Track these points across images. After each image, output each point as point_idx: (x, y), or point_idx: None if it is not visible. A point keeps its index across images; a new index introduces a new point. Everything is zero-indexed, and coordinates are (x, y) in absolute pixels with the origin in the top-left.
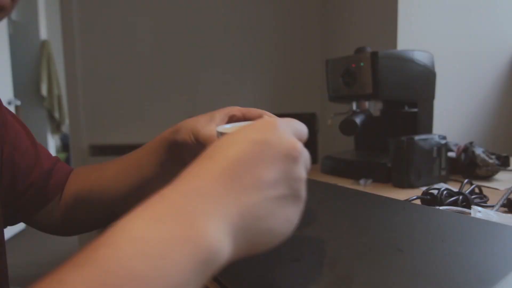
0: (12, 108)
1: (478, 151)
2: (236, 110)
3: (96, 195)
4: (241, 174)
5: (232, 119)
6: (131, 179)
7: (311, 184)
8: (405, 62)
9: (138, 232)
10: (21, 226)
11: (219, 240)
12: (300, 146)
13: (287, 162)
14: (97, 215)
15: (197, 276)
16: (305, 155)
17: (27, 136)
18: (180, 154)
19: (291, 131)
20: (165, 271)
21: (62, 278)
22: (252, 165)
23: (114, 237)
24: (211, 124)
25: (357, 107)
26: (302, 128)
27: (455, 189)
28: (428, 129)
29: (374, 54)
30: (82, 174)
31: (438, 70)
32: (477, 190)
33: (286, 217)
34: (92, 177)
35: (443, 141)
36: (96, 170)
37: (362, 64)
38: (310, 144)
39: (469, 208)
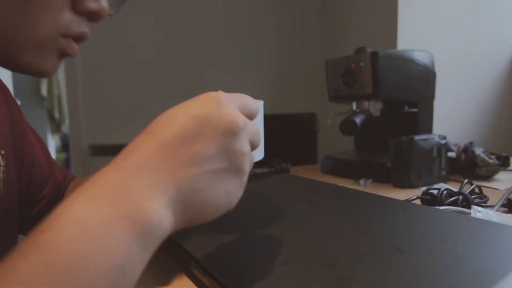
0: None
1: (478, 151)
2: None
3: None
4: (178, 149)
5: None
6: None
7: (311, 184)
8: (405, 62)
9: (77, 214)
10: None
11: (158, 214)
12: (241, 120)
13: (226, 137)
14: None
15: (140, 249)
16: (248, 129)
17: (42, 148)
18: None
19: (235, 106)
20: (107, 248)
21: (10, 266)
22: (190, 140)
23: (55, 221)
24: None
25: (357, 107)
26: (250, 103)
27: (455, 189)
28: (428, 129)
29: (374, 54)
30: (75, 185)
31: (438, 70)
32: (477, 190)
33: (226, 190)
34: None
35: (443, 141)
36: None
37: (362, 64)
38: (310, 144)
39: (469, 208)
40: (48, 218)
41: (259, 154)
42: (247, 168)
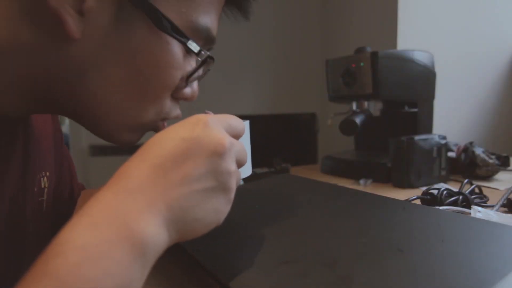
0: None
1: (478, 151)
2: None
3: None
4: (169, 170)
5: None
6: None
7: (311, 184)
8: (405, 62)
9: (80, 240)
10: None
11: (151, 232)
12: (227, 141)
13: (213, 158)
14: None
15: (140, 267)
16: (235, 149)
17: (70, 172)
18: None
19: (221, 127)
20: (110, 270)
21: None
22: (178, 161)
23: (60, 248)
24: None
25: (357, 107)
26: (236, 124)
27: (455, 189)
28: (428, 129)
29: (374, 54)
30: (83, 198)
31: (438, 70)
32: (477, 190)
33: (214, 207)
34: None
35: (443, 141)
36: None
37: (362, 64)
38: (310, 144)
39: (469, 208)
40: (53, 243)
41: (246, 171)
42: (234, 186)
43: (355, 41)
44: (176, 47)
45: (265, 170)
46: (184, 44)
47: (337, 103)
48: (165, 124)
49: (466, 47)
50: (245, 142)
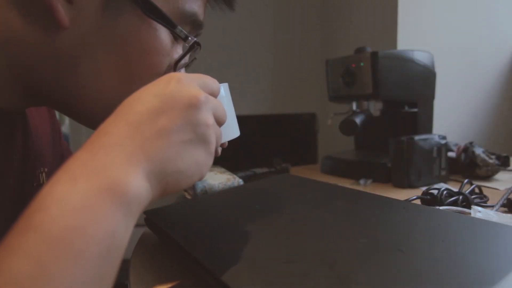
0: None
1: (478, 151)
2: None
3: None
4: (145, 125)
5: None
6: None
7: (311, 184)
8: (405, 62)
9: (59, 194)
10: None
11: (134, 184)
12: (202, 95)
13: (188, 111)
14: None
15: (124, 216)
16: (210, 103)
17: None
18: None
19: (195, 83)
20: (95, 219)
21: (12, 245)
22: (155, 116)
23: (42, 202)
24: None
25: (357, 107)
26: (210, 82)
27: (455, 189)
28: (428, 129)
29: (374, 54)
30: None
31: (438, 70)
32: (477, 190)
33: (194, 159)
34: None
35: (443, 141)
36: None
37: (362, 64)
38: (310, 144)
39: (469, 208)
40: (34, 200)
41: (232, 131)
42: (213, 138)
43: (355, 41)
44: (164, 34)
45: (265, 170)
46: (171, 31)
47: (337, 103)
48: None
49: (466, 47)
50: (228, 104)
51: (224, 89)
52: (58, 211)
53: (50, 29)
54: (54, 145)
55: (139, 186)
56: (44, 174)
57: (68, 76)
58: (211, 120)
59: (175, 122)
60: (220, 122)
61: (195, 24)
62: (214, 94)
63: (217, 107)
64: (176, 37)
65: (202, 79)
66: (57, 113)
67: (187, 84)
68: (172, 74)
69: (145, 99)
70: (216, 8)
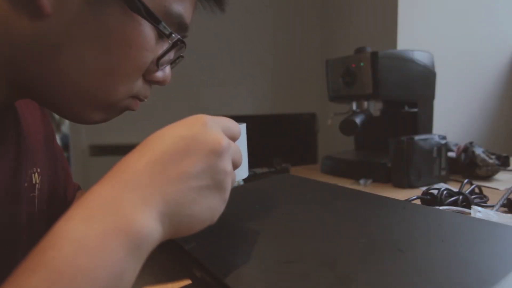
0: None
1: (478, 151)
2: None
3: None
4: (167, 166)
5: None
6: None
7: (311, 184)
8: (405, 62)
9: (75, 232)
10: None
11: (147, 226)
12: (225, 142)
13: (211, 156)
14: None
15: (133, 259)
16: (231, 150)
17: (63, 169)
18: None
19: (219, 128)
20: (105, 261)
21: (18, 282)
22: (177, 158)
23: (56, 239)
24: None
25: (357, 107)
26: (232, 126)
27: (455, 189)
28: (428, 129)
29: (374, 54)
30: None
31: (438, 70)
32: (477, 190)
33: (208, 205)
34: None
35: (443, 141)
36: None
37: (362, 64)
38: (310, 144)
39: (469, 208)
40: (48, 235)
41: (243, 172)
42: (229, 185)
43: (355, 41)
44: (148, 29)
45: (265, 170)
46: (155, 27)
47: (337, 103)
48: (138, 103)
49: (466, 47)
50: (242, 145)
51: (242, 131)
52: (71, 250)
53: (33, 16)
54: (47, 147)
55: (152, 229)
56: (36, 175)
57: (49, 65)
58: (229, 167)
59: (196, 167)
60: (236, 167)
61: (180, 25)
62: (235, 138)
63: (236, 152)
64: (160, 34)
65: (226, 123)
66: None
67: (212, 128)
68: (198, 117)
69: (169, 139)
70: (208, 9)
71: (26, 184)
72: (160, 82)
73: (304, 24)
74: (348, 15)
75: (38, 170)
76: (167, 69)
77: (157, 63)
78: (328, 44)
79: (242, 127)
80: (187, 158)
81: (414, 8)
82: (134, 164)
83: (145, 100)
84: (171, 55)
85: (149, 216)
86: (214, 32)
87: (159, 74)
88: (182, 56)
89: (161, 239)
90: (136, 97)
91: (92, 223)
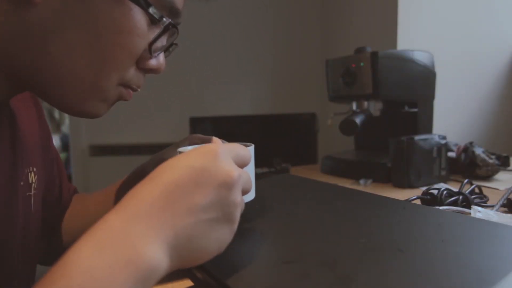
0: None
1: (478, 151)
2: (197, 138)
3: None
4: (177, 198)
5: None
6: None
7: (311, 184)
8: (405, 62)
9: (86, 262)
10: None
11: (157, 258)
12: (236, 174)
13: (221, 189)
14: None
15: None
16: (242, 180)
17: (59, 171)
18: None
19: (231, 158)
20: None
21: None
22: (187, 190)
23: (66, 269)
24: (176, 152)
25: (357, 107)
26: (243, 153)
27: (455, 189)
28: (428, 129)
29: (374, 54)
30: (77, 204)
31: (438, 70)
32: (477, 190)
33: (217, 238)
34: (85, 210)
35: (443, 141)
36: (88, 202)
37: (362, 64)
38: (310, 144)
39: (469, 208)
40: (58, 264)
41: (250, 195)
42: (238, 217)
43: (355, 41)
44: (138, 14)
45: (265, 170)
46: (146, 11)
47: (337, 103)
48: (131, 92)
49: (466, 47)
50: (250, 167)
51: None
52: (81, 282)
53: (22, 6)
54: (43, 148)
55: (160, 261)
56: (32, 174)
57: (41, 55)
58: (239, 198)
59: (206, 200)
60: (245, 193)
61: (172, 11)
62: (245, 165)
63: (246, 181)
64: (152, 20)
65: (236, 150)
66: (56, 114)
67: (224, 160)
68: (210, 147)
69: (181, 170)
70: None
71: (22, 183)
72: (154, 70)
73: (304, 24)
74: (348, 15)
75: (34, 169)
76: (161, 57)
77: (150, 49)
78: (328, 44)
79: (251, 149)
80: (198, 190)
81: (414, 8)
82: (146, 195)
83: (138, 89)
84: (163, 41)
85: (157, 248)
86: (214, 32)
87: (153, 62)
88: (176, 44)
89: (167, 271)
90: (129, 86)
91: (102, 254)
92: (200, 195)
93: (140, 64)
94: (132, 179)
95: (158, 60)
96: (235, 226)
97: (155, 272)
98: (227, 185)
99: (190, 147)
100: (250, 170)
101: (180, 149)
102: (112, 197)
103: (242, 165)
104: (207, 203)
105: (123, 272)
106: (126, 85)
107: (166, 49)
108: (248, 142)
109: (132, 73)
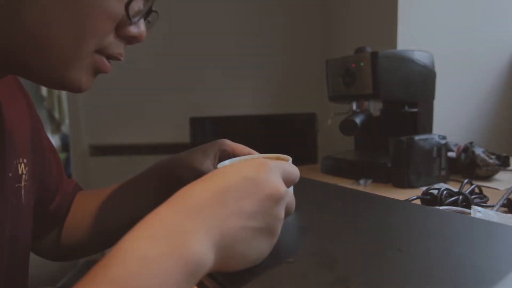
0: None
1: (478, 151)
2: (227, 145)
3: (98, 224)
4: (227, 201)
5: (223, 154)
6: (130, 211)
7: (311, 184)
8: (405, 62)
9: (141, 251)
10: None
11: (204, 254)
12: (283, 190)
13: (268, 201)
14: (95, 241)
15: (187, 284)
16: (287, 198)
17: (56, 164)
18: (177, 186)
19: (280, 174)
20: (164, 283)
21: None
22: (238, 196)
23: (122, 256)
24: (206, 160)
25: (357, 107)
26: (293, 171)
27: (455, 189)
28: (428, 129)
29: (374, 54)
30: (85, 201)
31: (438, 70)
32: (477, 190)
33: (258, 247)
34: (94, 206)
35: (443, 141)
36: (98, 198)
37: (362, 64)
38: (310, 144)
39: (469, 208)
40: (114, 250)
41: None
42: (279, 232)
43: (355, 41)
44: None
45: None
46: None
47: (337, 103)
48: (106, 62)
49: (466, 47)
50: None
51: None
52: (136, 269)
53: None
54: (34, 140)
55: (208, 259)
56: (22, 165)
57: (15, 25)
58: (283, 214)
59: (254, 208)
60: (287, 215)
61: None
62: (292, 183)
63: (291, 201)
64: None
65: (286, 168)
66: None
67: (274, 174)
68: (264, 162)
69: (234, 177)
70: None
71: (10, 174)
72: (134, 38)
73: (304, 24)
74: (348, 15)
75: (25, 160)
76: (141, 24)
77: (126, 10)
78: (328, 44)
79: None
80: (246, 198)
81: (414, 8)
82: (198, 192)
83: (121, 59)
84: (140, 5)
85: (206, 245)
86: (214, 32)
87: (133, 29)
88: (155, 12)
89: (210, 270)
90: (108, 54)
91: (156, 245)
92: (247, 203)
93: (120, 32)
94: (160, 179)
95: (139, 28)
96: (275, 240)
97: (202, 267)
98: (274, 198)
99: (227, 161)
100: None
101: (220, 166)
102: (121, 194)
103: (289, 182)
104: (254, 211)
105: (174, 264)
106: (105, 52)
107: (146, 16)
108: (248, 142)
109: (110, 40)
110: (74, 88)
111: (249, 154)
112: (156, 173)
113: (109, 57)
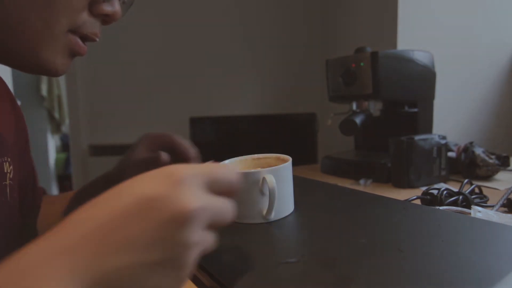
0: None
1: (478, 151)
2: (153, 138)
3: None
4: (113, 233)
5: (161, 140)
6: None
7: (311, 184)
8: (405, 62)
9: None
10: None
11: None
12: (193, 207)
13: (170, 225)
14: None
15: None
16: (207, 214)
17: (30, 158)
18: None
19: (199, 184)
20: None
21: None
22: (126, 222)
23: None
24: (147, 150)
25: (357, 107)
26: (223, 176)
27: (455, 189)
28: (428, 129)
29: (374, 54)
30: (45, 204)
31: (438, 70)
32: (477, 190)
33: (156, 285)
34: (53, 210)
35: (443, 141)
36: (60, 202)
37: (362, 64)
38: (310, 144)
39: (469, 208)
40: None
41: (288, 208)
42: (190, 261)
43: (355, 41)
44: None
45: None
46: None
47: (337, 103)
48: (80, 43)
49: (466, 47)
50: (288, 182)
51: (288, 167)
52: None
53: None
54: (18, 138)
55: None
56: (7, 164)
57: None
58: (195, 237)
59: (146, 237)
60: (217, 226)
61: None
62: (227, 190)
63: (217, 213)
64: None
65: (212, 175)
66: (56, 114)
67: (186, 188)
68: (174, 171)
69: (127, 198)
70: None
71: None
72: (108, 16)
73: (304, 24)
74: (348, 15)
75: (9, 159)
76: (115, 2)
77: None
78: (328, 44)
79: (288, 165)
80: (138, 224)
81: (414, 8)
82: (77, 225)
83: (96, 39)
84: None
85: None
86: (214, 32)
87: (106, 7)
88: None
89: None
90: (83, 35)
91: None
92: (138, 230)
93: (94, 9)
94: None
95: (113, 6)
96: (184, 272)
97: None
98: (178, 221)
99: (236, 159)
100: (288, 184)
101: (226, 162)
102: (77, 200)
103: (222, 190)
104: (146, 241)
105: None
106: (78, 31)
107: None
108: (247, 142)
109: (84, 18)
110: (50, 71)
111: (189, 155)
112: (106, 178)
113: (85, 37)
